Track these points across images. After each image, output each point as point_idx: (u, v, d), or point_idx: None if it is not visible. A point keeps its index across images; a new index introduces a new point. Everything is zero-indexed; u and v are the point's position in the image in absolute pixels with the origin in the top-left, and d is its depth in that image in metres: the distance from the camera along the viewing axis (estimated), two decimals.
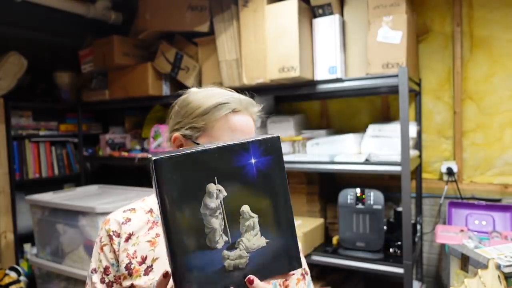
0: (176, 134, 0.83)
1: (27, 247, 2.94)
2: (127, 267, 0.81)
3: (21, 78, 2.86)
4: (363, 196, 2.12)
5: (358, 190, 2.15)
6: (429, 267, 2.48)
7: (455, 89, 2.33)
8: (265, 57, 2.09)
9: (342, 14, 2.12)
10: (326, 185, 2.53)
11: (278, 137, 0.59)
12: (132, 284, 0.79)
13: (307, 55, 2.06)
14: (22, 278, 2.63)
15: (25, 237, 2.90)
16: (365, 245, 2.08)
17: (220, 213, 0.57)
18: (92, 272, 0.86)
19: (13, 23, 2.93)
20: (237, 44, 2.26)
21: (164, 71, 2.66)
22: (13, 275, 2.56)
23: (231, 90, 0.88)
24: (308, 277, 0.96)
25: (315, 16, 2.13)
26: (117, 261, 0.83)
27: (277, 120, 2.48)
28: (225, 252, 0.57)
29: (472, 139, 2.33)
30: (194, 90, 0.89)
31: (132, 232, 0.84)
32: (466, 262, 1.00)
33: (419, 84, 2.40)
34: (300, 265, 0.61)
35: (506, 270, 0.89)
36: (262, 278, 0.59)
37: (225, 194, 0.57)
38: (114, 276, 0.84)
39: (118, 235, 0.84)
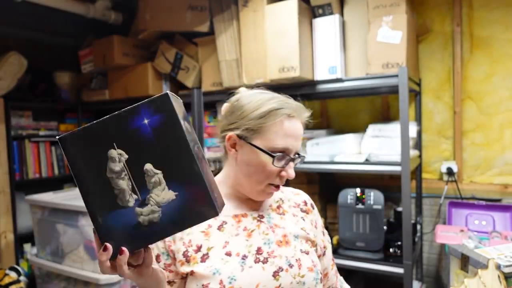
0: (231, 133, 0.90)
1: (27, 247, 2.94)
2: (185, 255, 0.87)
3: (21, 78, 2.86)
4: (363, 196, 2.12)
5: (358, 190, 2.15)
6: (429, 267, 2.48)
7: (455, 89, 2.33)
8: (265, 57, 2.09)
9: (342, 14, 2.12)
10: (326, 185, 2.53)
11: (167, 93, 0.61)
12: (192, 271, 0.85)
13: (307, 55, 2.06)
14: (22, 278, 2.63)
15: (25, 237, 2.90)
16: (365, 245, 2.08)
17: (125, 175, 0.61)
18: None
19: (13, 23, 2.93)
20: (237, 44, 2.26)
21: (164, 71, 2.66)
22: (13, 275, 2.56)
23: (284, 94, 0.93)
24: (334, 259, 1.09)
25: (315, 16, 2.13)
26: (167, 251, 0.88)
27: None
28: (138, 209, 0.62)
29: (472, 139, 2.33)
30: (245, 91, 0.95)
31: None
32: (466, 262, 1.00)
33: (419, 84, 2.40)
34: (216, 214, 0.63)
35: (506, 270, 0.89)
36: (178, 229, 0.63)
37: (126, 156, 0.61)
38: (164, 264, 0.88)
39: None
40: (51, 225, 2.25)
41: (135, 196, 0.62)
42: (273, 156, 0.86)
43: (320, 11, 2.11)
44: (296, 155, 0.91)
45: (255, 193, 0.92)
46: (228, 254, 0.87)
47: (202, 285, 0.83)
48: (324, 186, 2.49)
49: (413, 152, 2.17)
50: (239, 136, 0.89)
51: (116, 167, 0.61)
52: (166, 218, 0.62)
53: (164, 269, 0.88)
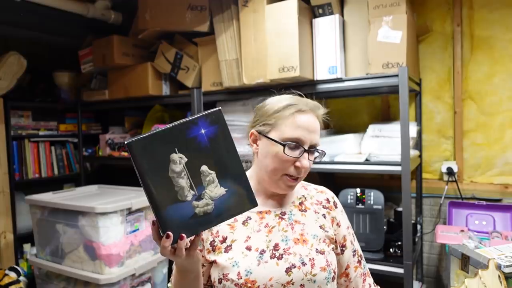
0: (252, 130, 1.01)
1: (26, 247, 2.93)
2: (211, 244, 0.97)
3: (21, 78, 2.85)
4: (363, 196, 2.12)
5: (358, 190, 2.14)
6: (429, 267, 2.48)
7: (456, 89, 2.33)
8: (265, 57, 2.09)
9: (342, 14, 2.12)
10: (326, 185, 2.52)
11: (220, 109, 0.75)
12: (215, 260, 0.95)
13: (307, 55, 2.06)
14: (21, 278, 2.63)
15: (25, 237, 2.90)
16: (365, 245, 2.08)
17: (184, 175, 0.73)
18: None
19: (13, 23, 2.93)
20: (237, 44, 2.26)
21: (164, 71, 2.66)
22: (13, 275, 2.55)
23: (302, 95, 1.04)
24: (363, 261, 1.11)
25: (315, 16, 2.13)
26: (200, 239, 0.94)
27: None
28: (195, 203, 0.74)
29: (473, 139, 2.33)
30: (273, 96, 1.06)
31: None
32: (467, 262, 1.00)
33: (419, 84, 2.40)
34: (255, 204, 0.78)
35: (507, 270, 0.89)
36: (227, 217, 0.76)
37: (186, 159, 0.73)
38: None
39: None
40: (51, 225, 2.25)
41: (192, 192, 0.74)
42: (283, 145, 0.93)
43: (320, 11, 2.11)
44: (313, 149, 0.97)
45: (274, 184, 0.97)
46: (248, 248, 0.95)
47: (223, 274, 0.92)
48: (324, 186, 2.48)
49: (413, 152, 2.17)
50: (259, 132, 0.99)
51: (177, 168, 0.72)
52: (218, 209, 0.75)
53: None
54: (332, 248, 1.01)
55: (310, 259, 0.94)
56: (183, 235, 0.73)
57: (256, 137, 1.00)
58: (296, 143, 0.94)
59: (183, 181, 0.73)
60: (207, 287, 1.00)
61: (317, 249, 0.96)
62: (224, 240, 0.96)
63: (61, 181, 3.34)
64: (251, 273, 0.91)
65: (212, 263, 0.96)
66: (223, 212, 0.75)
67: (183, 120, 0.73)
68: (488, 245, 1.70)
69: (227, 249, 0.95)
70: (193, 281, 0.86)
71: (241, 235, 0.97)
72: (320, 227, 1.01)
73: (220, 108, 0.75)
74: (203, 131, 0.73)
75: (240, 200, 0.77)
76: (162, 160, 0.71)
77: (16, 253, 2.86)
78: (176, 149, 0.72)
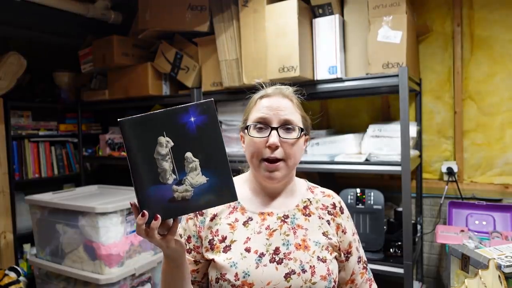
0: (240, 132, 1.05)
1: (26, 247, 2.93)
2: (210, 242, 0.97)
3: (20, 78, 2.85)
4: (363, 196, 2.12)
5: (358, 190, 2.14)
6: (429, 267, 2.48)
7: (456, 89, 2.33)
8: (265, 57, 2.09)
9: (342, 14, 2.12)
10: (326, 185, 2.51)
11: (212, 100, 0.76)
12: (213, 259, 0.94)
13: (307, 55, 2.06)
14: (21, 278, 2.63)
15: (25, 237, 2.90)
16: (365, 245, 2.08)
17: (169, 158, 0.75)
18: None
19: (13, 23, 2.93)
20: (237, 44, 2.26)
21: (164, 71, 2.66)
22: (13, 275, 2.55)
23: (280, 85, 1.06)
24: (368, 267, 1.08)
25: (315, 16, 2.13)
26: (197, 235, 0.99)
27: None
28: (174, 187, 0.75)
29: (473, 139, 2.32)
30: None
31: (216, 214, 0.99)
32: (467, 262, 1.00)
33: (419, 84, 2.40)
34: (235, 199, 0.77)
35: (507, 270, 0.89)
36: (204, 207, 0.77)
37: (172, 144, 0.75)
38: (194, 245, 0.99)
39: (202, 214, 1.00)
40: (51, 225, 2.25)
41: (174, 176, 0.75)
42: (247, 127, 0.96)
43: (320, 11, 2.11)
44: (286, 126, 0.95)
45: (259, 175, 0.97)
46: (247, 250, 0.93)
47: (221, 273, 0.92)
48: (324, 186, 2.48)
49: (413, 152, 2.17)
50: (240, 129, 1.04)
51: (163, 151, 0.74)
52: (196, 197, 0.76)
53: (193, 249, 0.99)
54: (335, 256, 0.98)
55: (310, 266, 0.92)
56: (158, 216, 0.74)
57: (241, 134, 1.04)
58: (262, 123, 0.94)
59: (167, 164, 0.75)
60: (202, 283, 1.00)
61: (318, 257, 0.94)
62: (223, 239, 0.95)
63: (61, 181, 3.34)
64: (249, 275, 0.90)
65: (210, 261, 0.96)
66: (200, 201, 0.76)
67: (175, 107, 0.75)
68: (488, 245, 1.70)
69: (226, 249, 0.94)
70: (175, 270, 0.86)
71: (241, 236, 0.95)
72: (323, 234, 0.98)
73: (212, 99, 0.76)
74: (192, 119, 0.75)
75: (219, 191, 0.77)
76: (150, 141, 0.74)
77: (16, 253, 2.85)
78: (164, 132, 0.74)
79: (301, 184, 1.08)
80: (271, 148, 0.92)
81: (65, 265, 2.20)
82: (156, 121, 0.74)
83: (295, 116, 0.98)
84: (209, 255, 0.95)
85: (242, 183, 1.04)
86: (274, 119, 0.94)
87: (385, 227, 2.17)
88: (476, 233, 2.03)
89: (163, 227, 0.77)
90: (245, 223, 0.97)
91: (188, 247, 0.99)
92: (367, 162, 2.01)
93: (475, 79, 2.30)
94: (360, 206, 2.11)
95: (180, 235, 1.00)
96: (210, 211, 0.99)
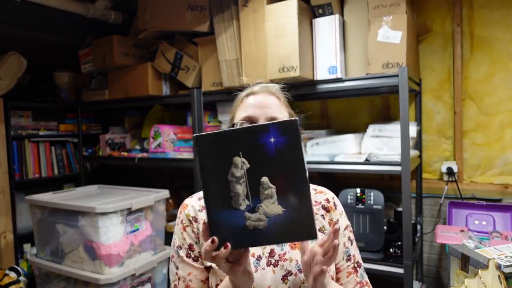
0: None
1: (26, 247, 2.93)
2: None
3: (20, 78, 2.85)
4: (363, 196, 2.12)
5: (358, 190, 2.14)
6: (429, 267, 2.48)
7: (455, 89, 2.33)
8: (265, 57, 2.09)
9: (342, 14, 2.12)
10: (326, 185, 2.51)
11: (296, 120, 0.67)
12: (211, 265, 0.91)
13: (307, 55, 2.06)
14: (21, 278, 2.63)
15: (25, 237, 2.90)
16: (365, 245, 2.08)
17: (243, 181, 0.68)
18: (178, 248, 0.96)
19: (13, 23, 2.93)
20: (237, 44, 2.26)
21: (164, 71, 2.66)
22: (13, 275, 2.55)
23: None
24: (361, 269, 1.01)
25: (315, 16, 2.13)
26: (198, 241, 0.94)
27: None
28: (247, 214, 0.69)
29: (473, 139, 2.33)
30: None
31: None
32: (467, 262, 1.00)
33: (419, 84, 2.40)
34: (314, 237, 0.68)
35: (507, 270, 0.89)
36: (278, 241, 0.70)
37: (248, 166, 0.68)
38: (199, 252, 0.94)
39: (196, 221, 0.96)
40: (51, 225, 2.25)
41: (247, 202, 0.69)
42: (233, 125, 0.95)
43: (320, 11, 2.11)
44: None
45: None
46: None
47: (220, 280, 0.88)
48: (324, 186, 2.48)
49: (413, 152, 2.17)
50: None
51: (237, 173, 0.69)
52: (270, 228, 0.68)
53: (199, 257, 0.94)
54: None
55: (296, 272, 0.89)
56: (228, 244, 0.68)
57: None
58: (248, 121, 0.93)
59: (240, 188, 0.69)
60: None
61: None
62: None
63: (61, 181, 3.34)
64: None
65: (209, 268, 0.93)
66: (274, 234, 0.68)
67: (255, 124, 0.70)
68: (488, 245, 1.70)
69: None
70: None
71: None
72: (320, 229, 0.96)
73: (297, 119, 0.68)
74: (272, 139, 0.67)
75: (297, 226, 0.68)
76: (224, 161, 0.68)
77: (16, 253, 2.85)
78: (240, 152, 0.68)
79: None
80: None
81: (65, 265, 2.20)
82: (233, 139, 0.68)
83: (282, 113, 0.96)
84: (207, 263, 0.93)
85: None
86: (261, 116, 0.93)
87: (385, 227, 2.17)
88: (476, 233, 2.03)
89: (233, 255, 0.72)
90: None
91: (193, 255, 0.95)
92: (367, 162, 2.01)
93: (475, 79, 2.30)
94: (360, 206, 2.11)
95: (180, 246, 0.96)
96: (201, 216, 0.96)
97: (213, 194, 0.69)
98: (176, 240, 0.97)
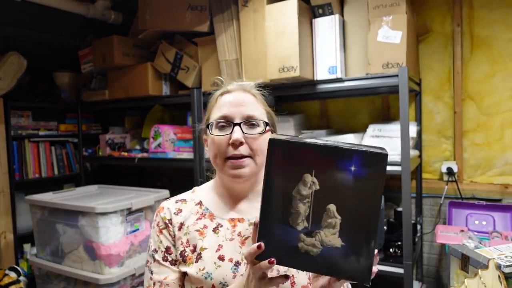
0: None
1: (26, 247, 2.93)
2: (182, 254, 0.90)
3: (21, 78, 2.85)
4: None
5: None
6: (429, 267, 2.48)
7: (455, 89, 2.33)
8: (265, 57, 2.09)
9: (342, 14, 2.12)
10: None
11: (386, 155, 0.61)
12: (186, 272, 0.87)
13: (307, 55, 2.06)
14: (21, 278, 2.63)
15: (25, 237, 2.90)
16: None
17: (308, 202, 0.63)
18: (153, 252, 0.93)
19: (13, 23, 2.93)
20: (237, 44, 2.26)
21: (164, 71, 2.66)
22: (13, 275, 2.55)
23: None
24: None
25: (315, 16, 2.13)
26: (175, 244, 0.92)
27: (277, 120, 2.47)
28: (302, 236, 0.64)
29: (473, 139, 2.33)
30: None
31: (183, 222, 0.93)
32: (467, 262, 1.00)
33: (419, 84, 2.40)
34: (367, 283, 0.63)
35: (507, 270, 0.89)
36: (325, 272, 0.65)
37: (318, 188, 0.63)
38: (176, 255, 0.91)
39: (171, 223, 0.93)
40: (51, 225, 2.25)
41: (305, 223, 0.64)
42: (208, 125, 0.91)
43: (320, 11, 2.11)
44: (250, 121, 0.89)
45: (225, 175, 0.91)
46: (221, 258, 0.87)
47: (196, 287, 0.86)
48: None
49: (413, 152, 2.17)
50: (204, 132, 0.97)
51: (304, 191, 0.63)
52: (321, 257, 0.63)
53: (176, 260, 0.91)
54: None
55: (291, 275, 0.84)
56: (273, 260, 0.64)
57: (206, 140, 0.96)
58: (224, 121, 0.88)
59: (303, 208, 0.64)
60: None
61: None
62: (194, 249, 0.89)
63: (61, 181, 3.34)
64: (227, 285, 0.83)
65: (185, 274, 0.89)
66: (324, 264, 0.63)
67: (338, 145, 0.63)
68: (488, 245, 1.70)
69: (197, 258, 0.87)
70: None
71: (212, 243, 0.88)
72: None
73: (387, 153, 0.61)
74: (353, 168, 0.61)
75: (351, 265, 0.63)
76: (294, 174, 0.63)
77: (16, 253, 2.86)
78: (314, 171, 0.63)
79: None
80: (235, 145, 0.86)
81: (65, 265, 2.20)
82: (310, 153, 0.63)
83: (259, 111, 0.92)
84: (182, 268, 0.88)
85: (208, 190, 0.99)
86: (237, 115, 0.88)
87: (385, 227, 2.17)
88: (476, 233, 2.03)
89: (267, 267, 0.68)
90: (215, 230, 0.90)
91: (170, 259, 0.91)
92: None
93: (474, 78, 2.30)
94: None
95: (156, 250, 0.92)
96: (176, 220, 0.93)
97: (272, 202, 0.65)
98: (151, 243, 0.94)
